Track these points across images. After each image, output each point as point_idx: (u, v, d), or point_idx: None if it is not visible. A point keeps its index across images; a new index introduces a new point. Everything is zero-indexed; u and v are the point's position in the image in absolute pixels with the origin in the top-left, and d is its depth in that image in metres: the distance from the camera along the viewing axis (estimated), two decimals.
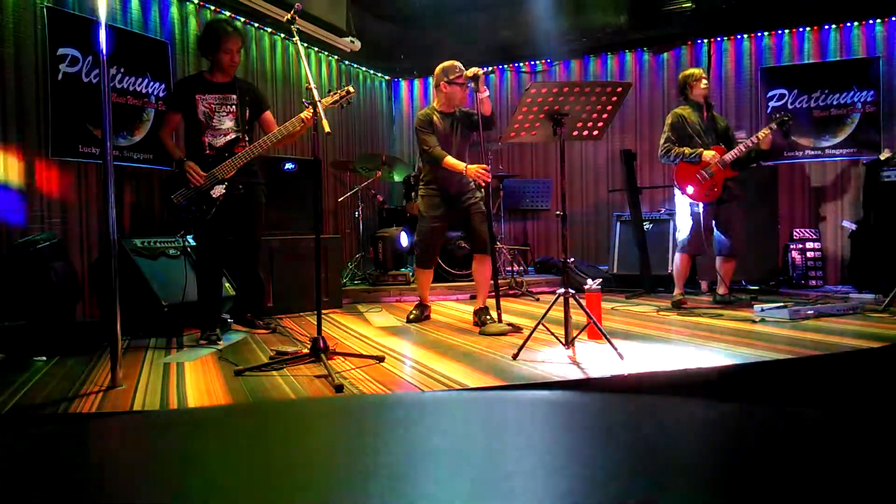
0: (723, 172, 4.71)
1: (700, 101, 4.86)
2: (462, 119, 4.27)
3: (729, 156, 4.68)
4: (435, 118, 4.24)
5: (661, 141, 4.90)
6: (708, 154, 4.67)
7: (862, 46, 6.39)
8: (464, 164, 4.10)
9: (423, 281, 4.54)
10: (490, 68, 4.16)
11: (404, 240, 6.01)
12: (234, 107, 3.89)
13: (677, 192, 4.86)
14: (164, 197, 3.81)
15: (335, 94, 3.48)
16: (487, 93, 4.03)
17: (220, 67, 3.86)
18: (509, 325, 3.91)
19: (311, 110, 3.27)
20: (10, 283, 3.87)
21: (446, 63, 4.23)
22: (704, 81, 4.85)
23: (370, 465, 0.59)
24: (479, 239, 4.22)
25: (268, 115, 4.10)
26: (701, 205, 4.74)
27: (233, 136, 3.87)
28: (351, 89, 3.54)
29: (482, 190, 4.26)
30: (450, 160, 4.14)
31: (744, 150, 4.69)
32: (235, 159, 3.79)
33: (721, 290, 4.95)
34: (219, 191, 3.78)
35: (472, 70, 3.97)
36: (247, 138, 3.90)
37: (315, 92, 3.13)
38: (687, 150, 4.73)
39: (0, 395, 2.62)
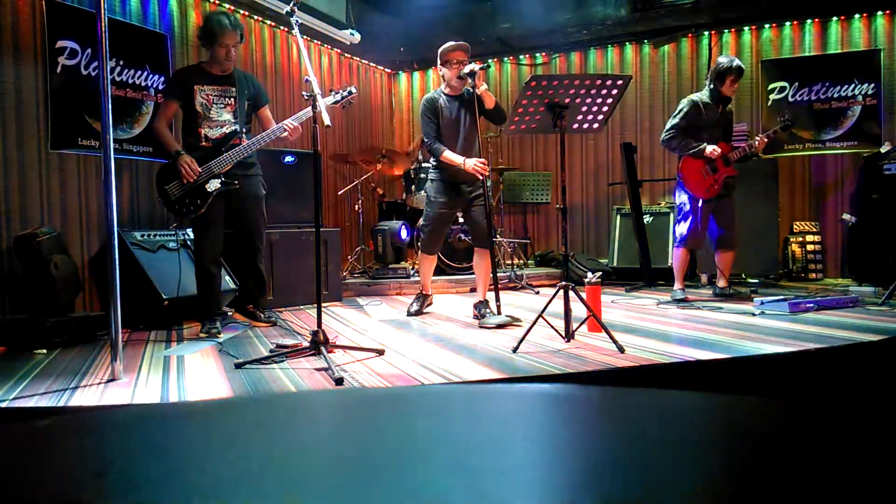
0: (725, 170, 4.72)
1: (723, 95, 4.81)
2: (471, 103, 4.06)
3: (733, 155, 4.71)
4: (441, 103, 4.17)
5: (668, 125, 4.85)
6: (709, 148, 4.67)
7: (863, 39, 6.37)
8: (462, 159, 4.06)
9: (427, 268, 4.52)
10: (487, 62, 4.11)
11: (404, 233, 6.01)
12: (232, 99, 3.88)
13: (678, 185, 4.87)
14: (158, 188, 3.79)
15: (336, 93, 3.47)
16: (485, 86, 4.00)
17: (217, 61, 3.85)
18: (508, 316, 3.92)
19: (298, 125, 3.67)
20: (11, 277, 3.87)
21: (446, 44, 4.17)
22: (737, 85, 4.81)
23: (370, 459, 0.59)
24: (481, 232, 4.20)
25: (266, 110, 4.08)
26: (700, 199, 4.75)
27: (230, 128, 3.85)
28: (353, 90, 3.52)
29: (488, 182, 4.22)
30: (447, 155, 4.08)
31: (747, 150, 4.73)
32: (232, 154, 3.77)
33: (720, 282, 4.96)
34: (214, 185, 3.76)
35: (469, 67, 3.94)
36: (244, 131, 3.88)
37: (314, 85, 3.11)
38: (693, 143, 4.72)
39: (0, 387, 2.63)
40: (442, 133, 4.16)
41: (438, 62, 4.20)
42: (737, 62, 4.72)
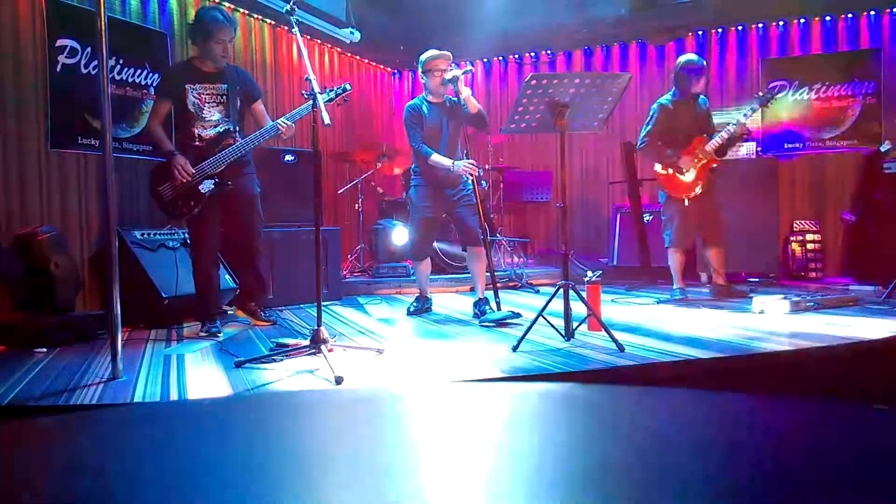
0: (706, 163, 4.69)
1: (692, 92, 4.78)
2: (452, 110, 4.18)
3: (710, 146, 4.65)
4: (423, 109, 4.21)
5: (642, 132, 4.82)
6: (684, 160, 4.65)
7: (863, 38, 6.37)
8: (450, 161, 4.09)
9: (422, 272, 4.53)
10: (469, 68, 4.19)
11: (401, 238, 5.93)
12: (224, 97, 3.85)
13: (659, 189, 4.86)
14: (151, 190, 3.77)
15: (330, 91, 3.45)
16: (468, 91, 4.03)
17: (211, 58, 3.81)
18: (510, 311, 3.92)
19: (292, 124, 3.71)
20: (11, 276, 3.87)
21: (427, 53, 4.21)
22: (704, 78, 4.78)
23: (370, 458, 0.59)
24: (469, 232, 4.22)
25: (259, 104, 4.04)
26: (685, 199, 4.71)
27: (223, 127, 3.82)
28: (348, 87, 3.51)
29: (481, 182, 4.25)
30: (435, 158, 4.11)
31: (726, 136, 4.64)
32: (225, 154, 3.75)
33: (718, 279, 4.93)
34: (207, 186, 3.74)
35: (451, 72, 3.99)
36: (237, 129, 3.86)
37: (314, 84, 3.10)
38: (668, 152, 4.69)
39: (0, 386, 2.63)
40: (425, 140, 4.19)
41: (420, 71, 4.23)
42: (698, 58, 4.77)
